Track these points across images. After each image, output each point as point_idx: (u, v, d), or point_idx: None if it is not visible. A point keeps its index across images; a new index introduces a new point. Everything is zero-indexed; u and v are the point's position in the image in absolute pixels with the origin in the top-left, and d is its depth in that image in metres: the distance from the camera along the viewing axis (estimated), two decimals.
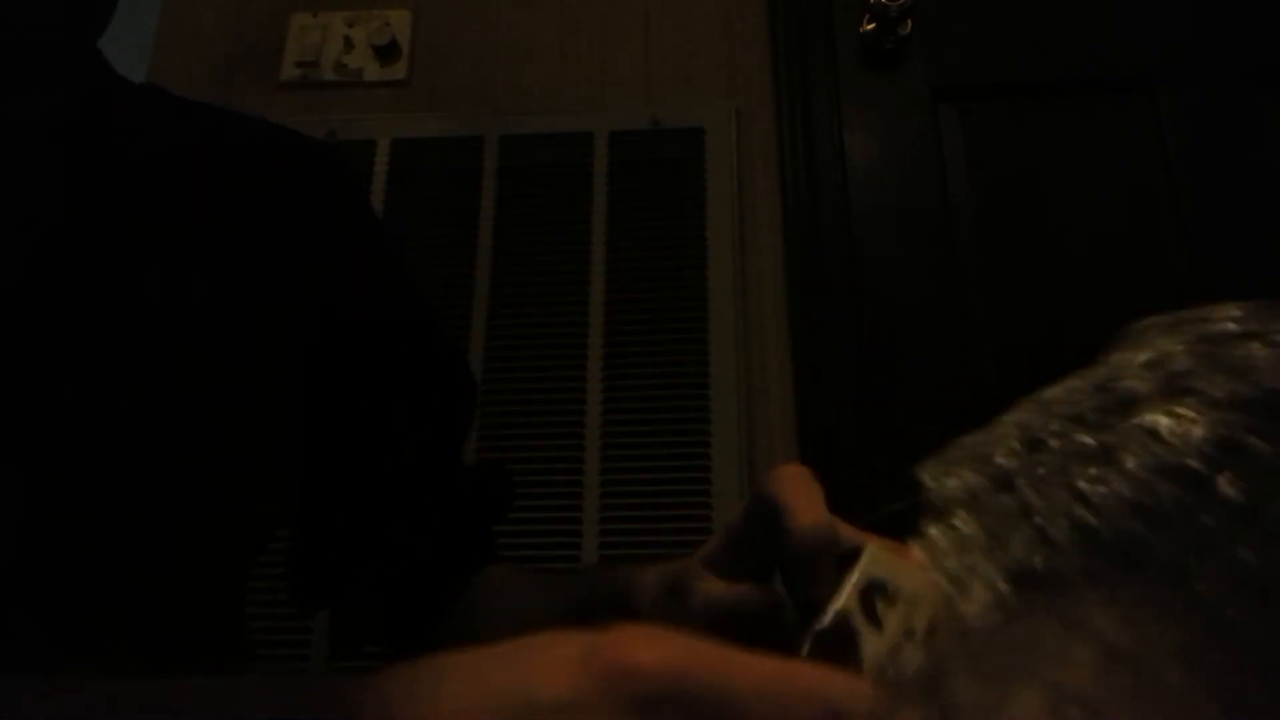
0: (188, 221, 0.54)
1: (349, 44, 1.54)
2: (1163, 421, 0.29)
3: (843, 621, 0.33)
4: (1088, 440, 0.30)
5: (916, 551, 0.31)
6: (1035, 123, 1.45)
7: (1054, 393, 0.32)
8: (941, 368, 1.34)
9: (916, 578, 0.34)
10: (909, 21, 1.45)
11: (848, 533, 0.38)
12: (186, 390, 0.50)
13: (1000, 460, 0.31)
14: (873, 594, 0.34)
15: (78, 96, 0.53)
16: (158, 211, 0.53)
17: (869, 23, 1.46)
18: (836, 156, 1.44)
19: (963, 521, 0.30)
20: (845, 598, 0.33)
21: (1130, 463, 0.28)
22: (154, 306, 0.50)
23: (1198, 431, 0.28)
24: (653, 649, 0.22)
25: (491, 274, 1.38)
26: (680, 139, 1.43)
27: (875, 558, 0.35)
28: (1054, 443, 0.30)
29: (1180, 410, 0.29)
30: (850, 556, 0.36)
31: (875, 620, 0.33)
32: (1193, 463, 0.28)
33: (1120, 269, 1.37)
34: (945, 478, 0.31)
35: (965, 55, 1.48)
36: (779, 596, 0.40)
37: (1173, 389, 0.29)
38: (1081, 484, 0.29)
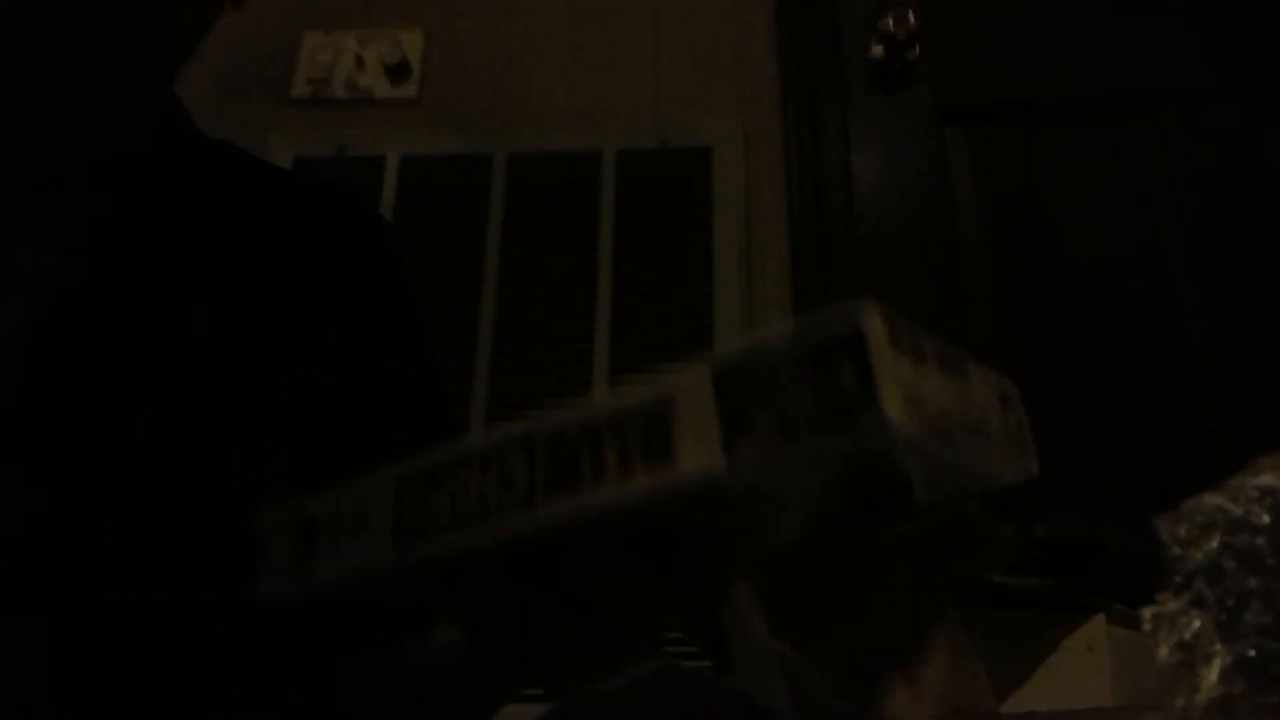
0: (235, 266, 0.55)
1: (360, 63, 1.55)
2: None
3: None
4: None
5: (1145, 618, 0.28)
6: (1041, 145, 1.45)
7: None
8: None
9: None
10: (917, 47, 1.45)
11: None
12: (222, 436, 0.50)
13: (1247, 534, 0.27)
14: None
15: (144, 130, 0.54)
16: (206, 254, 0.54)
17: (877, 44, 1.46)
18: (843, 177, 1.44)
19: (1201, 596, 0.27)
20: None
21: None
22: (196, 345, 0.51)
23: None
24: None
25: (498, 290, 1.38)
26: (688, 159, 1.44)
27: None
28: None
29: None
30: None
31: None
32: None
33: (1127, 291, 1.37)
34: (1189, 545, 0.28)
35: (971, 78, 1.49)
36: None
37: None
38: None
